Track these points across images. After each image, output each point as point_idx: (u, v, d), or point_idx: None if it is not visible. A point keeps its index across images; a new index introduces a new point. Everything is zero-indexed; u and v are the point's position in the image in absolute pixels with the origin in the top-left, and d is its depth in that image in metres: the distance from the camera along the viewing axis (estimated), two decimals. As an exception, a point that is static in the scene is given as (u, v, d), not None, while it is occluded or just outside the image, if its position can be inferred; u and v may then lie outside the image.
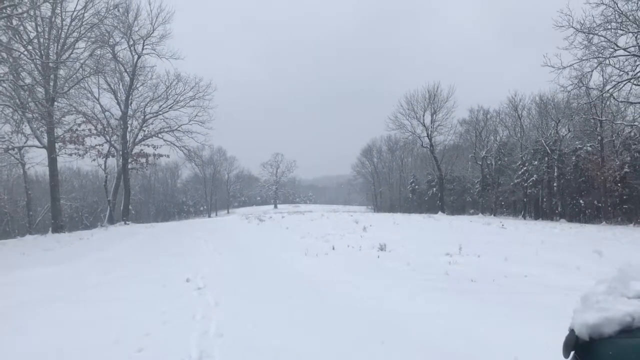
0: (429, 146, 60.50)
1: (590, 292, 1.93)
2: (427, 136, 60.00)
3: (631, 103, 35.04)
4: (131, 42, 39.47)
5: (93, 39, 30.58)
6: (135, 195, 68.30)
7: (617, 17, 29.29)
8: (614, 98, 33.73)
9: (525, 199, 48.93)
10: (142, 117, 42.50)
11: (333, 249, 14.95)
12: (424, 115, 60.05)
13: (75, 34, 29.41)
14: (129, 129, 41.27)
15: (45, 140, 30.09)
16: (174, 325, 6.50)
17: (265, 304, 7.69)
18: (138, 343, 5.64)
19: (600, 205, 38.49)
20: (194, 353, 5.32)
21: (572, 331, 1.75)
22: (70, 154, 37.21)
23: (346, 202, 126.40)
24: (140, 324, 6.54)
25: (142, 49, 40.26)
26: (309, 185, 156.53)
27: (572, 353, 1.76)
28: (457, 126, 62.60)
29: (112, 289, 9.39)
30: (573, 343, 1.73)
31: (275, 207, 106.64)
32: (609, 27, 29.67)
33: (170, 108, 43.16)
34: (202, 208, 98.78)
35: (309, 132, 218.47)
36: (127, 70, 40.07)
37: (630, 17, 29.32)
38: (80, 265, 13.30)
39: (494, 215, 50.23)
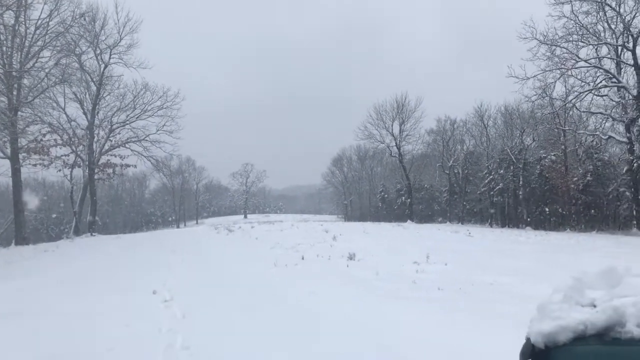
0: (397, 155, 61.08)
1: (547, 300, 1.98)
2: (396, 146, 60.63)
3: (593, 113, 36.04)
4: (98, 51, 38.88)
5: (58, 48, 29.99)
6: (102, 206, 67.12)
7: (578, 29, 30.22)
8: (576, 108, 34.67)
9: (491, 208, 49.70)
10: (109, 126, 41.81)
11: (303, 259, 14.92)
12: (392, 125, 60.73)
13: (39, 43, 28.80)
14: (95, 139, 40.53)
15: (9, 151, 29.33)
16: (139, 338, 6.39)
17: (233, 315, 7.62)
18: (101, 358, 5.53)
19: (564, 213, 39.32)
20: (159, 366, 5.24)
21: (528, 340, 1.79)
22: (35, 165, 36.26)
23: (317, 211, 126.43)
24: (104, 338, 6.40)
25: (109, 58, 39.71)
26: (279, 194, 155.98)
27: (528, 361, 1.80)
28: (424, 136, 63.46)
29: (76, 302, 9.18)
30: (529, 351, 1.77)
31: (245, 217, 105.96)
32: (571, 39, 30.57)
33: (137, 118, 42.58)
34: (170, 219, 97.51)
35: (278, 142, 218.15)
36: (94, 79, 39.43)
37: (590, 30, 30.25)
38: (42, 279, 12.97)
39: (462, 223, 50.86)
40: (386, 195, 68.93)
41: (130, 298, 9.19)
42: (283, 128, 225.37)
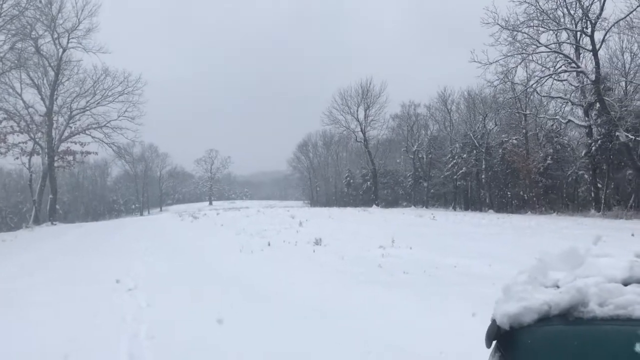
0: (363, 141, 61.37)
1: (512, 282, 1.99)
2: (361, 131, 60.92)
3: (553, 97, 36.79)
4: (55, 36, 37.77)
5: (13, 32, 29.03)
6: (62, 195, 65.50)
7: (538, 15, 30.66)
8: (537, 93, 35.33)
9: (455, 191, 50.48)
10: (69, 113, 40.89)
11: (269, 245, 14.89)
12: (357, 111, 60.95)
13: (-8, 26, 27.84)
14: (54, 125, 39.55)
15: (-38, 139, 28.39)
16: (103, 328, 6.28)
17: (198, 303, 7.55)
18: (63, 349, 5.39)
19: (525, 195, 40.18)
20: (124, 356, 5.16)
21: (493, 321, 1.80)
22: (-10, 153, 35.35)
23: (283, 197, 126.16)
24: (66, 328, 6.27)
25: (68, 42, 38.65)
26: (245, 181, 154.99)
27: (494, 343, 1.81)
28: (389, 121, 63.88)
29: (36, 292, 8.95)
30: (494, 333, 1.78)
31: (211, 203, 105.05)
32: (532, 24, 31.01)
33: (98, 104, 41.83)
34: (133, 206, 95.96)
35: (243, 128, 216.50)
36: (52, 64, 38.34)
37: (551, 16, 30.74)
38: (1, 268, 12.62)
39: (426, 207, 51.53)
40: (352, 181, 69.24)
41: (93, 288, 9.02)
42: (248, 113, 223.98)
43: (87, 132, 41.93)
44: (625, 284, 1.75)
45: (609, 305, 1.56)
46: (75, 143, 41.61)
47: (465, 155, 46.89)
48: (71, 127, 41.32)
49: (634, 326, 1.47)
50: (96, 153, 43.53)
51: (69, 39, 38.48)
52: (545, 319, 1.66)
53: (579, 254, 2.22)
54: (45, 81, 38.72)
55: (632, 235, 15.73)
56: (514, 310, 1.70)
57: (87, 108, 41.57)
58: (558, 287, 1.86)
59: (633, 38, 30.40)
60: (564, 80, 33.70)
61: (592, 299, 1.62)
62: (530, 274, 2.03)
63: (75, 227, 30.41)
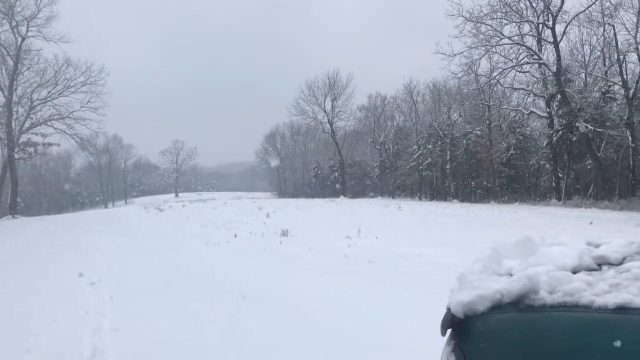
0: (330, 132, 61.46)
1: (466, 271, 2.05)
2: (328, 122, 60.99)
3: (515, 89, 37.49)
4: (14, 24, 36.58)
5: (-32, 19, 28.08)
6: (24, 187, 63.97)
7: (502, 7, 31.11)
8: (500, 84, 35.90)
9: (420, 181, 51.07)
10: (29, 103, 39.80)
11: (235, 236, 14.83)
12: (324, 102, 61.04)
13: (-54, 13, 26.86)
14: (14, 116, 38.43)
15: None
16: (65, 322, 6.17)
17: (163, 296, 7.48)
18: (24, 344, 5.29)
19: (489, 185, 40.91)
20: (87, 350, 5.08)
21: (448, 310, 1.85)
22: (-52, 144, 34.31)
23: (250, 188, 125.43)
24: (27, 323, 6.14)
25: (27, 31, 37.47)
26: (212, 172, 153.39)
27: (448, 330, 1.86)
28: (356, 112, 64.17)
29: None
30: (449, 321, 1.83)
31: (177, 195, 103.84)
32: (495, 16, 31.44)
33: (60, 94, 40.78)
34: (98, 199, 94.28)
35: (210, 119, 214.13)
36: (10, 53, 37.17)
37: (514, 8, 31.24)
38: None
39: (392, 197, 52.01)
40: (319, 172, 69.37)
41: (55, 282, 8.85)
42: (215, 105, 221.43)
43: (48, 123, 40.93)
44: (575, 272, 1.82)
45: (558, 293, 1.63)
46: (37, 134, 40.61)
47: (430, 146, 47.43)
48: (32, 118, 40.28)
49: (581, 312, 1.53)
50: (58, 144, 42.59)
51: (28, 28, 37.38)
52: (498, 307, 1.72)
53: (532, 242, 2.29)
54: (3, 71, 37.62)
55: (591, 223, 16.19)
56: (467, 298, 1.75)
57: (49, 98, 40.56)
58: (511, 275, 1.92)
59: (592, 31, 31.18)
60: (527, 72, 34.37)
61: (542, 287, 1.68)
62: (485, 263, 2.09)
63: (37, 220, 29.73)
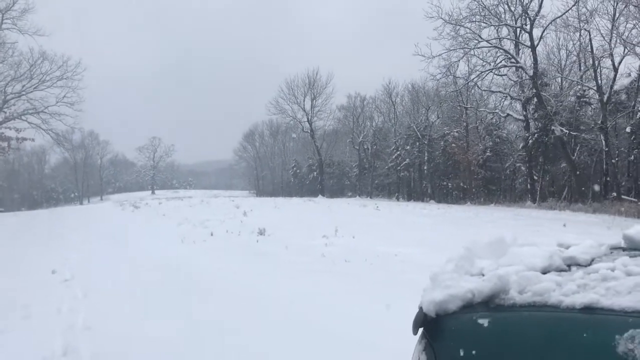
0: (309, 131, 61.46)
1: (439, 270, 2.06)
2: (308, 121, 61.01)
3: (493, 92, 37.95)
4: (-12, 16, 35.93)
5: (-60, 10, 27.43)
6: (-5, 183, 62.72)
7: (480, 10, 31.42)
8: (477, 87, 36.28)
9: (398, 182, 51.34)
10: (3, 97, 39.06)
11: (212, 235, 14.75)
12: (304, 101, 61.02)
13: None
14: (-13, 110, 37.77)
15: None
16: (37, 320, 6.08)
17: (137, 294, 7.42)
18: (-7, 343, 5.20)
19: (465, 187, 41.29)
20: (58, 348, 5.00)
21: (420, 309, 1.86)
22: None
23: (228, 187, 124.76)
24: (-3, 321, 6.04)
25: (1, 23, 36.78)
26: (189, 170, 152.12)
27: (420, 329, 1.87)
28: (335, 112, 64.21)
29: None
30: (421, 320, 1.84)
31: (153, 193, 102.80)
32: (474, 19, 31.74)
33: (35, 88, 40.15)
34: (73, 195, 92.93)
35: (188, 116, 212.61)
36: (-17, 46, 36.48)
37: (492, 11, 31.57)
38: None
39: (370, 197, 52.20)
40: (298, 171, 69.32)
41: (28, 278, 8.73)
42: (193, 102, 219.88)
43: (23, 117, 40.24)
44: (544, 272, 1.84)
45: (527, 293, 1.65)
46: (10, 129, 39.77)
47: (408, 147, 47.70)
48: (5, 112, 39.53)
49: (549, 312, 1.55)
50: (33, 140, 41.75)
51: (2, 20, 36.67)
52: (469, 306, 1.74)
53: (504, 243, 2.32)
54: (-24, 63, 36.85)
55: (564, 225, 16.45)
56: (439, 297, 1.76)
57: (23, 92, 39.88)
58: (483, 275, 1.93)
59: (569, 36, 31.66)
60: (504, 75, 34.77)
61: (512, 287, 1.71)
62: (458, 263, 2.10)
63: (10, 216, 29.23)
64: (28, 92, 40.03)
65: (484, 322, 1.63)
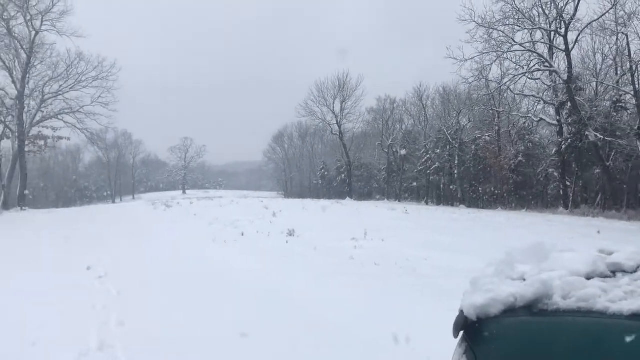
0: (338, 133, 61.47)
1: (480, 275, 2.06)
2: (337, 123, 61.03)
3: (526, 96, 37.36)
4: (28, 17, 36.76)
5: (-16, 13, 28.24)
6: (33, 180, 64.21)
7: (514, 14, 31.02)
8: (510, 90, 35.78)
9: (427, 186, 50.96)
10: (41, 97, 40.03)
11: (242, 235, 14.86)
12: (333, 103, 61.03)
13: (-38, 6, 27.04)
14: (25, 109, 38.70)
15: None
16: (72, 315, 6.22)
17: (169, 292, 7.52)
18: (31, 335, 5.33)
19: (496, 191, 40.77)
20: (93, 343, 5.12)
21: (461, 312, 1.86)
22: (-40, 135, 34.66)
23: (257, 188, 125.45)
24: (35, 315, 6.20)
25: (41, 24, 37.63)
26: (220, 170, 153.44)
27: (461, 333, 1.87)
28: (365, 114, 64.05)
29: (4, 278, 8.81)
30: (462, 323, 1.84)
31: (184, 192, 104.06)
32: (507, 23, 31.37)
33: (71, 88, 41.02)
34: (105, 194, 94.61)
35: (219, 117, 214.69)
36: (24, 47, 37.35)
37: (526, 15, 31.14)
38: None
39: (399, 201, 51.89)
40: (326, 173, 69.34)
41: (63, 274, 8.93)
42: (224, 103, 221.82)
43: (59, 117, 41.21)
44: (588, 278, 1.82)
45: (572, 298, 1.63)
46: (47, 128, 40.94)
47: (438, 151, 47.33)
48: (43, 112, 40.55)
49: (595, 318, 1.54)
50: (68, 138, 42.88)
51: (42, 22, 37.54)
52: (511, 311, 1.73)
53: (544, 248, 2.30)
54: (17, 64, 37.77)
55: (598, 232, 16.11)
56: (481, 301, 1.76)
57: (60, 92, 40.80)
58: (524, 279, 1.93)
59: (605, 40, 31.02)
60: (537, 79, 34.27)
61: (556, 292, 1.69)
62: (498, 267, 2.10)
63: (46, 213, 29.90)
64: (65, 92, 40.95)
65: (527, 326, 1.63)
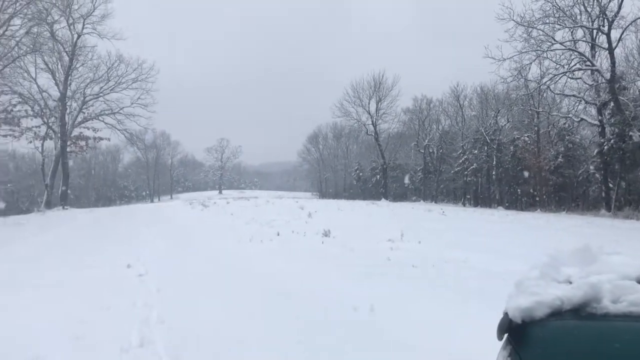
0: (373, 134, 61.22)
1: (524, 277, 2.02)
2: (372, 124, 60.78)
3: (566, 95, 36.52)
4: (71, 21, 37.87)
5: (29, 16, 29.10)
6: (74, 180, 65.92)
7: (554, 12, 30.38)
8: (550, 90, 35.04)
9: (464, 187, 50.31)
10: (82, 98, 41.19)
11: (278, 235, 14.94)
12: (369, 103, 60.79)
13: (10, 10, 27.91)
14: (67, 110, 39.88)
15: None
16: (114, 312, 6.36)
17: (207, 290, 7.62)
18: (74, 330, 5.48)
19: (535, 193, 39.98)
20: (135, 340, 5.22)
21: (506, 314, 1.83)
22: (5, 136, 35.90)
23: (292, 188, 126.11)
24: (77, 310, 6.37)
25: (83, 28, 38.76)
26: (255, 171, 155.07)
27: (505, 335, 1.84)
28: (401, 114, 63.64)
29: (48, 273, 9.07)
30: (506, 326, 1.81)
31: (220, 192, 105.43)
32: (547, 21, 30.75)
33: (111, 90, 42.10)
34: (144, 193, 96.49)
35: (255, 118, 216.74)
36: (66, 49, 38.50)
37: (567, 13, 30.46)
38: (15, 250, 12.79)
39: (435, 202, 51.37)
40: (361, 174, 69.18)
41: (104, 272, 9.13)
42: (260, 104, 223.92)
43: (100, 118, 42.31)
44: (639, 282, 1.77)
45: (623, 302, 1.59)
46: (88, 129, 42.10)
47: (476, 151, 46.70)
48: (84, 113, 41.69)
49: (647, 323, 1.49)
50: (108, 139, 43.96)
51: (84, 25, 38.61)
52: (557, 314, 1.69)
53: (591, 251, 2.24)
54: (59, 66, 38.93)
55: (643, 236, 15.66)
56: (526, 304, 1.72)
57: (101, 94, 41.88)
58: (570, 282, 1.88)
59: (650, 37, 30.10)
60: (578, 78, 33.46)
61: (605, 296, 1.65)
62: (542, 270, 2.05)
63: (87, 212, 30.66)
64: (105, 93, 42.01)
65: (575, 330, 1.59)
